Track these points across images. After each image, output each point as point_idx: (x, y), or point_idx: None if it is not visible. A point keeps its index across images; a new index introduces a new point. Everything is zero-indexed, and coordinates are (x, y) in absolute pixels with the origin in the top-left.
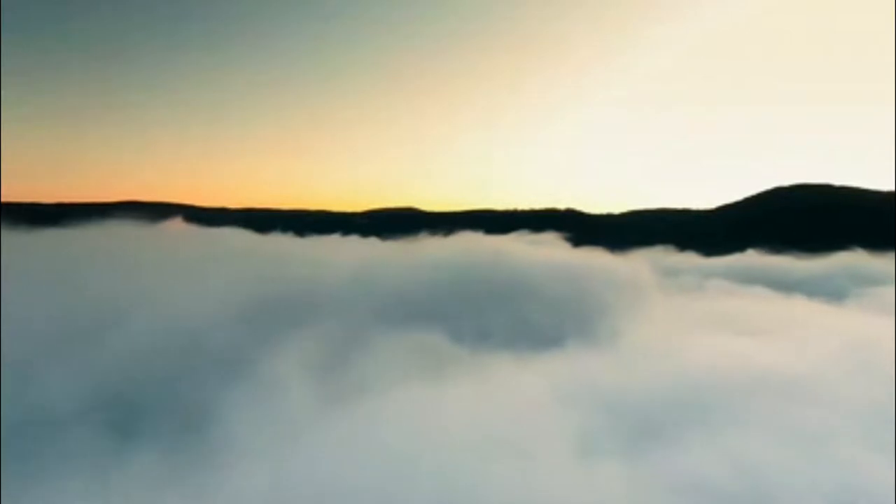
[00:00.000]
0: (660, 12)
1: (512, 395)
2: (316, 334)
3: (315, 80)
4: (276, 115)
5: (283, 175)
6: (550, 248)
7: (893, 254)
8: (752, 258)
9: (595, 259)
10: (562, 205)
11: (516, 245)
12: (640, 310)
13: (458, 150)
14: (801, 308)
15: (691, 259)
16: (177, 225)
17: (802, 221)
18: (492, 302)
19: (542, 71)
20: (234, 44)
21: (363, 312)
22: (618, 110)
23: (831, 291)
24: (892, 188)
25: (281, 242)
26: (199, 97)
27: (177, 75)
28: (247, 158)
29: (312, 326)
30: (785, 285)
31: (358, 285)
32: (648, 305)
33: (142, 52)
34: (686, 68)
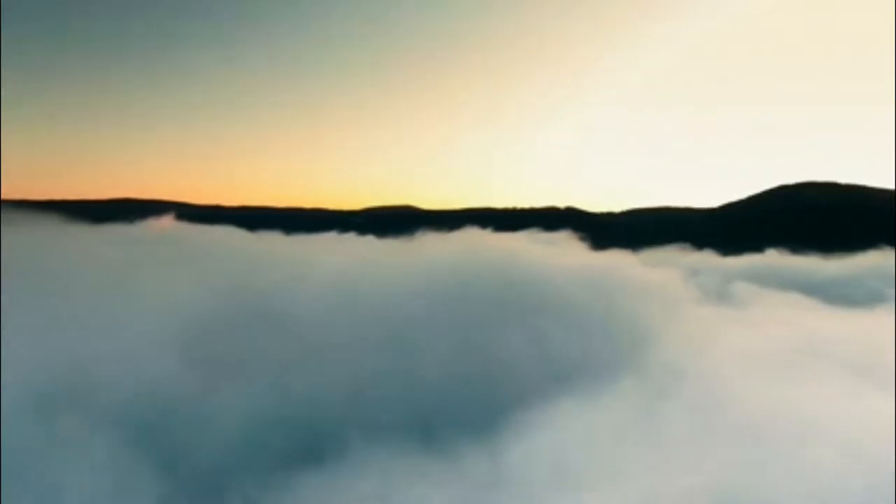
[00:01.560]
0: (665, 11)
1: None
2: (260, 387)
3: (314, 78)
4: (275, 113)
5: (281, 173)
6: (563, 249)
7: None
8: (772, 258)
9: (617, 262)
10: (562, 203)
11: (524, 244)
12: (687, 329)
13: (457, 149)
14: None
15: (708, 259)
16: (165, 223)
17: (814, 220)
18: (506, 319)
19: (542, 69)
20: (232, 42)
21: (338, 339)
22: (616, 110)
23: (876, 296)
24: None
25: (269, 241)
26: (199, 96)
27: (176, 74)
28: (244, 157)
29: (262, 371)
30: (817, 290)
31: (342, 296)
32: (695, 323)
33: (140, 51)
34: (684, 68)
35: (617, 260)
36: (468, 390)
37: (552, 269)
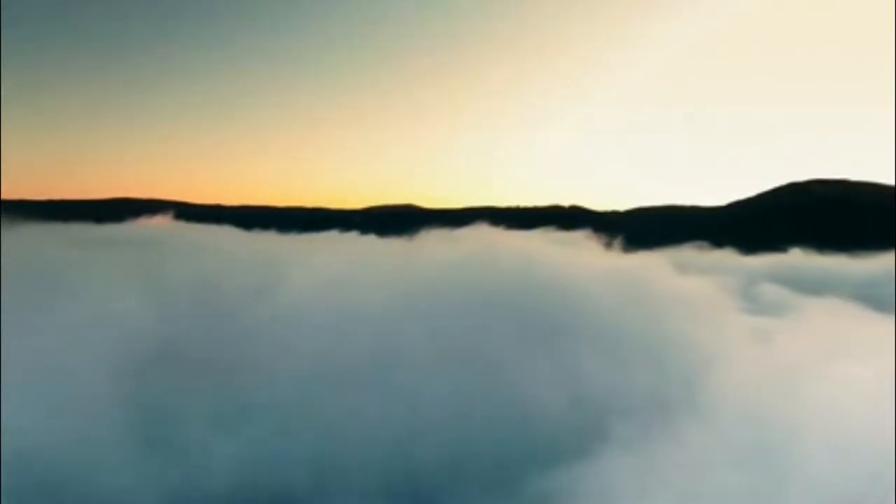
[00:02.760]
0: (671, 8)
1: None
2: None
3: (315, 78)
4: (276, 112)
5: (282, 172)
6: (582, 250)
7: None
8: (796, 258)
9: (646, 265)
10: (566, 202)
11: (539, 245)
12: (743, 348)
13: (458, 148)
14: None
15: (730, 258)
16: (158, 222)
17: (830, 217)
18: (525, 340)
19: (541, 68)
20: (233, 42)
21: (312, 371)
22: (616, 109)
23: None
24: None
25: (264, 241)
26: (200, 96)
27: (177, 74)
28: (245, 156)
29: (205, 418)
30: (859, 294)
31: (326, 309)
32: (749, 340)
33: (140, 50)
34: (684, 67)
35: (645, 263)
36: (478, 442)
37: (575, 275)
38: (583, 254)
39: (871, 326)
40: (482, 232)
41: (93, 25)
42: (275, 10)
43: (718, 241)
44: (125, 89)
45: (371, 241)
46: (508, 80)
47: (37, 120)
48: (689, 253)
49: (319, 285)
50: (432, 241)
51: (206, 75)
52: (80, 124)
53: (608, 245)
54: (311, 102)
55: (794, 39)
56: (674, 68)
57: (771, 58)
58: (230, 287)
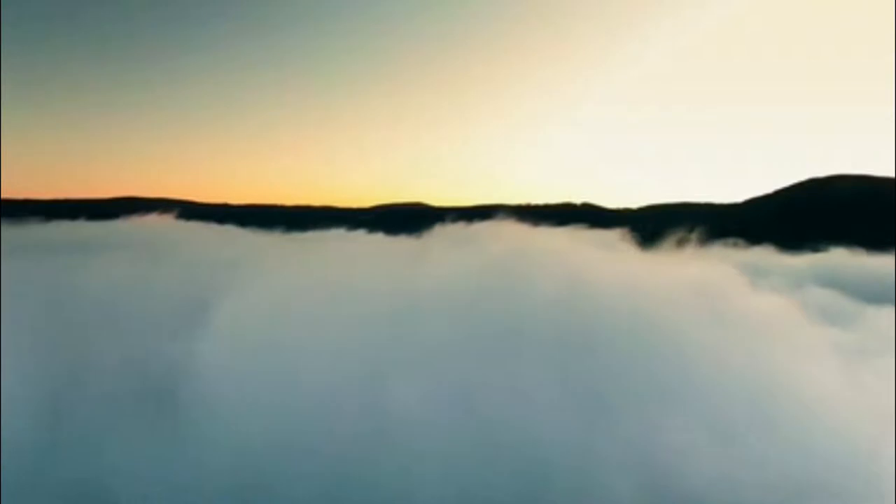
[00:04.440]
0: (673, 9)
1: None
2: None
3: (322, 76)
4: (283, 111)
5: (289, 171)
6: (622, 255)
7: None
8: (842, 257)
9: (713, 275)
10: (577, 199)
11: (564, 242)
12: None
13: (466, 146)
14: None
15: (770, 258)
16: (153, 220)
17: (860, 215)
18: (568, 381)
19: (549, 66)
20: (240, 40)
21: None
22: (622, 107)
23: None
24: None
25: (261, 240)
26: (206, 95)
27: (182, 74)
28: (252, 155)
29: None
30: None
31: (302, 329)
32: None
33: (143, 50)
34: (683, 68)
35: (707, 271)
36: None
37: (624, 288)
38: (623, 257)
39: None
40: (503, 229)
41: (93, 25)
42: (280, 9)
43: (750, 238)
44: (127, 89)
45: (379, 239)
46: (512, 79)
47: (38, 120)
48: (727, 252)
49: (302, 293)
50: (445, 239)
51: (214, 74)
52: (81, 124)
53: (681, 243)
54: (317, 101)
55: (793, 38)
56: (672, 68)
57: (769, 57)
58: (191, 294)
